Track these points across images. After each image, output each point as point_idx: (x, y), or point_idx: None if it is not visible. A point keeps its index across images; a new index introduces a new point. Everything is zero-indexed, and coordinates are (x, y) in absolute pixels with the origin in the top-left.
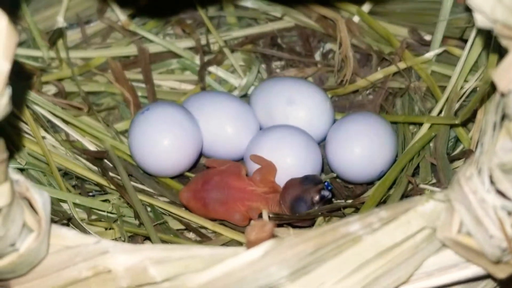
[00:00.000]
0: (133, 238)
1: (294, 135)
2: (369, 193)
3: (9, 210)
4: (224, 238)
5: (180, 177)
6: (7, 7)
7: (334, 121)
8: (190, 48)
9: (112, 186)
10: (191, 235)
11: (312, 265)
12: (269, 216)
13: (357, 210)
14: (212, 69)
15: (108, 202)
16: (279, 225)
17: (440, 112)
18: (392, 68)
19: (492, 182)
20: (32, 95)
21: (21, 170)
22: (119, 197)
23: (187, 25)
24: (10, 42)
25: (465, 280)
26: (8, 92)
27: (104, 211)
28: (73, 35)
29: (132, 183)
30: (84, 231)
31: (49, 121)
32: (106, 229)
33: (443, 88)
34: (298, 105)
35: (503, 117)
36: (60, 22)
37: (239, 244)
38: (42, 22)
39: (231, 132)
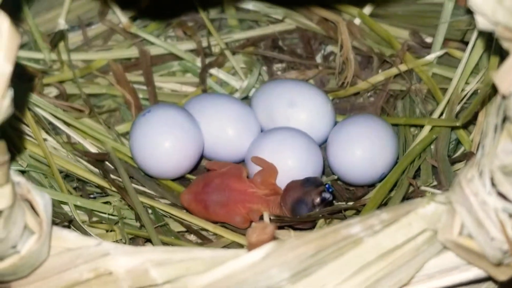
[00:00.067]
0: (134, 240)
1: (295, 137)
2: (370, 195)
3: (11, 212)
4: (225, 240)
5: (181, 179)
6: (8, 9)
7: (335, 123)
8: (191, 50)
9: (113, 188)
10: (192, 237)
11: (313, 267)
12: (270, 218)
13: (358, 212)
14: (213, 71)
15: (109, 204)
16: (280, 227)
17: (441, 114)
18: (393, 70)
19: (493, 184)
20: (34, 97)
21: (23, 172)
22: (120, 199)
23: (188, 27)
24: (12, 44)
25: (466, 282)
26: (9, 94)
27: (105, 213)
28: (74, 38)
29: (133, 185)
30: (85, 233)
31: (50, 123)
32: (107, 231)
33: (444, 90)
34: (299, 107)
35: (504, 119)
36: (62, 24)
37: (240, 246)
38: (44, 24)
39: (232, 134)
